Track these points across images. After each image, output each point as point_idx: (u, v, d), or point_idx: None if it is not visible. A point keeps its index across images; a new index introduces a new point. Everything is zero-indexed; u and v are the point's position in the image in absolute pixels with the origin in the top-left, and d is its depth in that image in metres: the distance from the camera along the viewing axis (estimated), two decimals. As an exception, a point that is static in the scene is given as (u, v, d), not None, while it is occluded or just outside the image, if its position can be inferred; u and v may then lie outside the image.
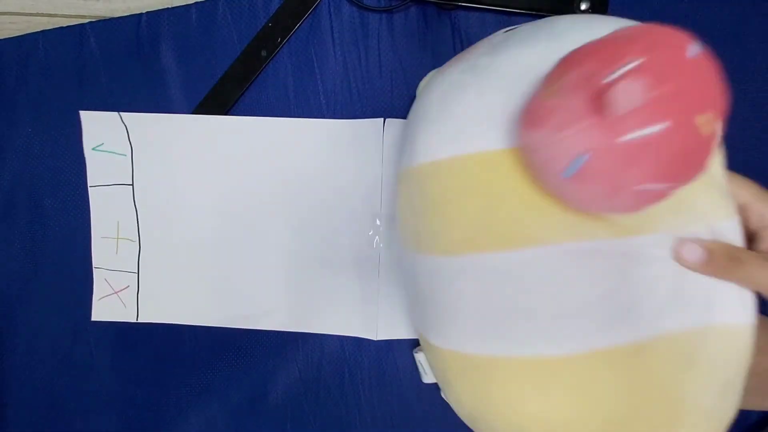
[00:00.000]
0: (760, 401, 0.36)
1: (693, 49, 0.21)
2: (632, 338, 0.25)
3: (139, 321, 0.45)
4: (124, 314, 0.45)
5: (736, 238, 0.26)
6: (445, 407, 0.44)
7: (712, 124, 0.21)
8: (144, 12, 0.43)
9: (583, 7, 0.39)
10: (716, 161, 0.27)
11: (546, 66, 0.24)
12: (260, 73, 0.42)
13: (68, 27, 0.43)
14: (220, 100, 0.42)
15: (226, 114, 0.43)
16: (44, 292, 0.46)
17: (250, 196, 0.43)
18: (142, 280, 0.45)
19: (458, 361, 0.29)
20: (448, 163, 0.27)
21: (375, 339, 0.43)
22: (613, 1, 0.39)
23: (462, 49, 0.41)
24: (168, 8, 0.43)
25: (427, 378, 0.43)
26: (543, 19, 0.29)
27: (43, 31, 0.43)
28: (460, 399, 0.30)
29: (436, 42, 0.42)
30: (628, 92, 0.19)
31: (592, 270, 0.25)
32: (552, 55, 0.24)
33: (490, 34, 0.31)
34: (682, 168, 0.21)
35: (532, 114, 0.23)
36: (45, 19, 0.44)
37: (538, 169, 0.23)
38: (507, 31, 0.30)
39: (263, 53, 0.42)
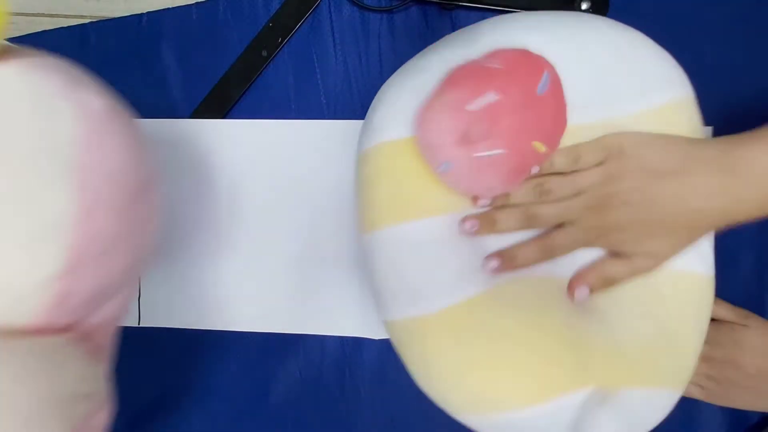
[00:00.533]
0: (753, 401, 0.36)
1: (542, 86, 0.28)
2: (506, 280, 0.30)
3: (141, 325, 0.45)
4: (126, 319, 0.45)
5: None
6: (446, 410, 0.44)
7: (548, 145, 0.29)
8: (144, 12, 0.43)
9: (584, 6, 0.39)
10: None
11: (456, 63, 0.29)
12: (261, 73, 0.42)
13: (69, 27, 0.43)
14: (220, 101, 0.42)
15: (226, 114, 0.43)
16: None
17: (249, 199, 0.43)
18: (144, 285, 0.45)
19: (395, 331, 0.32)
20: (369, 151, 0.32)
21: (375, 339, 0.43)
22: (614, 1, 0.39)
23: (462, 49, 0.41)
24: (169, 8, 0.43)
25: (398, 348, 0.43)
26: (481, 21, 0.33)
27: (43, 32, 0.43)
28: (411, 371, 0.32)
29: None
30: (481, 128, 0.27)
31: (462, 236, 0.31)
32: (463, 58, 0.30)
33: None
34: (520, 174, 0.30)
35: (421, 118, 0.29)
36: (45, 19, 0.44)
37: (424, 158, 0.29)
38: (442, 41, 0.34)
39: (264, 53, 0.42)
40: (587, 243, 0.31)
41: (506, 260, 0.31)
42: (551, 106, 0.29)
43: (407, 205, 0.31)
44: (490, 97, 0.27)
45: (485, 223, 0.31)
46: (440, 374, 0.30)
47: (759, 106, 0.40)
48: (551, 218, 0.31)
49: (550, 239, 0.31)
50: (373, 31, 0.42)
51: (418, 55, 0.33)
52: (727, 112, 0.40)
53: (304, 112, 0.43)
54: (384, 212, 0.31)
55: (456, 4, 0.41)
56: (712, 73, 0.40)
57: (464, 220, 0.30)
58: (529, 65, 0.28)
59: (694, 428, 0.42)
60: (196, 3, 0.43)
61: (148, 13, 0.43)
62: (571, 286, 0.31)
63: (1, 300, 0.23)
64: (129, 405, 0.46)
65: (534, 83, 0.28)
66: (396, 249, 0.31)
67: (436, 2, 0.41)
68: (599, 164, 0.30)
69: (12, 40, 0.43)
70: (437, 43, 0.33)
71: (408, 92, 0.31)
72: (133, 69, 0.43)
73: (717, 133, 0.39)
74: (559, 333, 0.29)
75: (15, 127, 0.23)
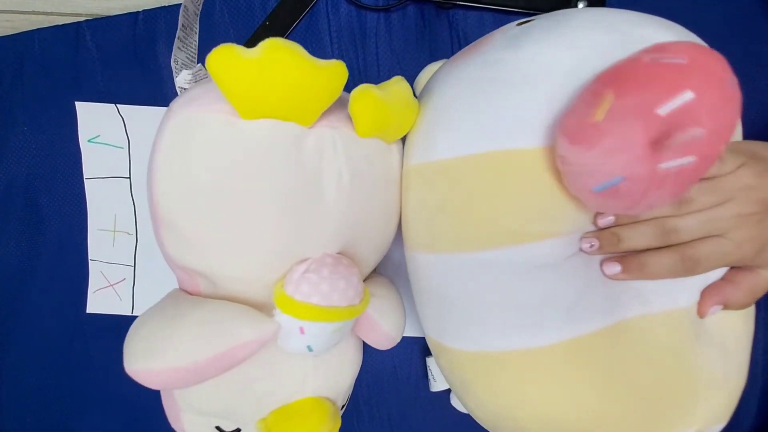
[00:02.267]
0: None
1: (732, 81, 0.22)
2: (637, 312, 0.28)
3: (134, 314, 0.45)
4: (120, 307, 0.45)
5: None
6: (444, 407, 0.44)
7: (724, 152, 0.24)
8: (140, 10, 0.43)
9: (581, 6, 0.39)
10: None
11: (571, 67, 0.25)
12: (257, 71, 0.42)
13: (64, 25, 0.43)
14: (217, 99, 0.42)
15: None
16: (41, 287, 0.45)
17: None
18: (138, 274, 0.45)
19: (481, 361, 0.29)
20: (474, 159, 0.27)
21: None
22: (610, 2, 0.39)
23: (460, 48, 0.40)
24: (165, 6, 0.42)
25: (436, 386, 0.42)
26: (557, 13, 0.29)
27: (39, 30, 0.43)
28: (483, 401, 0.30)
29: (434, 41, 0.42)
30: (684, 144, 0.21)
31: (579, 263, 0.28)
32: (576, 56, 0.25)
33: (488, 33, 0.31)
34: (693, 183, 0.24)
35: (578, 130, 0.23)
36: (41, 17, 0.44)
37: (570, 179, 0.24)
38: (520, 23, 0.30)
39: (260, 52, 0.42)
40: (742, 258, 0.27)
41: (634, 267, 0.27)
42: (735, 109, 0.23)
43: (530, 225, 0.27)
44: (687, 97, 0.21)
45: (607, 241, 0.27)
46: (535, 410, 0.28)
47: (763, 106, 0.40)
48: (694, 232, 0.26)
49: (695, 250, 0.27)
50: (370, 29, 0.42)
51: (499, 46, 0.29)
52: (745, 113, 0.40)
53: (301, 111, 0.43)
54: (502, 231, 0.27)
55: (453, 3, 0.41)
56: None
57: (583, 238, 0.28)
58: (712, 59, 0.22)
59: None
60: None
61: (144, 11, 0.42)
62: (708, 303, 0.28)
63: None
64: (124, 398, 0.46)
65: (725, 78, 0.22)
66: (511, 271, 0.27)
67: (433, 1, 0.41)
68: (741, 167, 0.27)
69: (8, 38, 0.43)
70: (516, 33, 0.29)
71: (518, 94, 0.27)
72: (129, 67, 0.43)
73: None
74: (689, 380, 0.27)
75: None
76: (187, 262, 0.29)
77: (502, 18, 0.42)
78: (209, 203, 0.26)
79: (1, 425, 0.47)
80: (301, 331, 0.28)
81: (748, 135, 0.40)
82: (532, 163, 0.26)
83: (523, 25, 0.30)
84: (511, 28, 0.30)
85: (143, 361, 0.25)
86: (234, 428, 0.33)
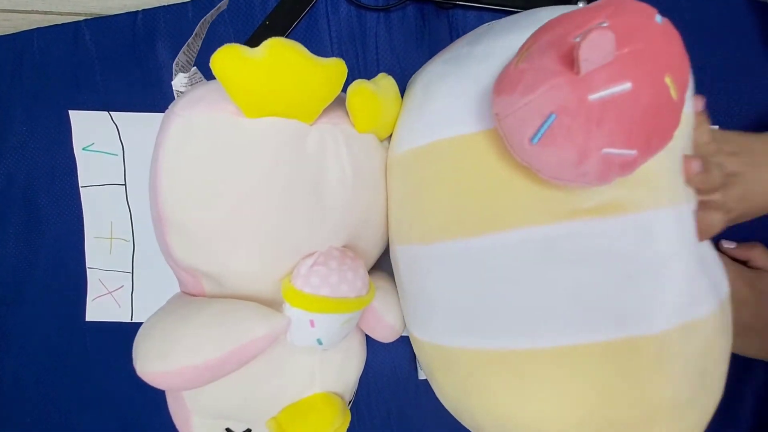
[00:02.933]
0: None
1: (658, 17, 0.21)
2: (603, 337, 0.25)
3: (134, 321, 0.44)
4: (119, 314, 0.45)
5: (693, 223, 0.27)
6: (443, 406, 0.44)
7: (679, 89, 0.21)
8: (140, 10, 0.42)
9: (581, 5, 0.39)
10: (680, 143, 0.27)
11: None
12: (257, 71, 0.42)
13: (63, 25, 0.43)
14: (216, 99, 0.42)
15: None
16: (39, 291, 0.45)
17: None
18: (137, 280, 0.45)
19: (439, 354, 0.30)
20: (426, 149, 0.28)
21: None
22: (610, 1, 0.39)
23: (459, 48, 0.41)
24: (164, 6, 0.42)
25: (422, 374, 0.43)
26: (525, 11, 0.30)
27: (37, 29, 0.43)
28: (444, 391, 0.31)
29: (434, 40, 0.42)
30: (598, 47, 0.19)
31: (558, 258, 0.25)
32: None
33: (487, 33, 0.31)
34: (650, 132, 0.21)
35: (502, 80, 0.23)
36: (40, 16, 0.44)
37: (510, 138, 0.23)
38: (491, 24, 0.31)
39: (260, 52, 0.42)
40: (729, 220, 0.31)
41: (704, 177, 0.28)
42: (675, 38, 0.21)
43: (485, 214, 0.26)
44: (601, 24, 0.20)
45: (705, 162, 0.28)
46: (487, 410, 0.28)
47: (755, 104, 0.40)
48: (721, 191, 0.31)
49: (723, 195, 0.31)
50: (369, 29, 0.42)
51: (464, 43, 0.30)
52: (730, 110, 0.40)
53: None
54: (454, 221, 0.27)
55: (453, 3, 0.41)
56: (711, 72, 0.40)
57: (689, 158, 0.27)
58: (635, 3, 0.21)
59: None
60: (192, 0, 0.42)
61: (143, 10, 0.42)
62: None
63: None
64: (123, 401, 0.45)
65: (649, 14, 0.21)
66: (467, 266, 0.27)
67: (433, 1, 0.41)
68: (734, 154, 0.32)
69: (6, 37, 0.43)
70: (482, 31, 0.30)
71: (471, 82, 0.27)
72: (128, 67, 0.43)
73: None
74: (646, 408, 0.26)
75: None
76: (195, 263, 0.29)
77: (501, 17, 0.41)
78: (219, 203, 0.26)
79: (1, 425, 0.46)
80: (312, 324, 0.28)
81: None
82: (479, 146, 0.26)
83: (492, 24, 0.31)
84: (481, 28, 0.31)
85: (157, 362, 0.25)
86: (244, 429, 0.33)
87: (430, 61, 0.32)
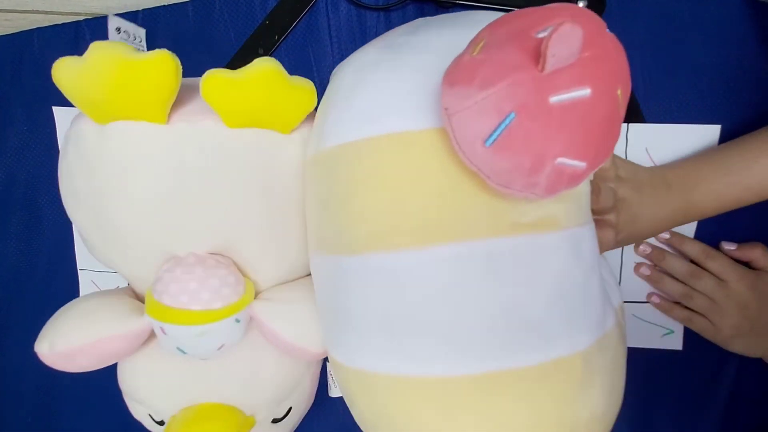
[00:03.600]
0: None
1: (608, 30, 0.21)
2: (536, 360, 0.23)
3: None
4: None
5: (595, 236, 0.28)
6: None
7: (624, 104, 0.21)
8: (140, 9, 0.42)
9: (580, 5, 0.39)
10: None
11: (467, 43, 0.22)
12: (257, 71, 0.42)
13: (63, 24, 0.43)
14: (217, 98, 0.42)
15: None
16: (39, 291, 0.45)
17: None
18: None
19: (360, 379, 0.27)
20: (357, 145, 0.24)
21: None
22: (610, 2, 0.39)
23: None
24: (164, 6, 0.42)
25: (335, 391, 0.41)
26: (462, 12, 0.30)
27: (38, 29, 0.43)
28: (364, 417, 0.28)
29: (434, 40, 0.42)
30: (567, 42, 0.18)
31: (498, 275, 0.23)
32: (471, 35, 0.22)
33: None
34: (600, 144, 0.20)
35: (455, 70, 0.20)
36: (40, 16, 0.44)
37: (460, 138, 0.20)
38: (427, 18, 0.30)
39: (260, 51, 0.42)
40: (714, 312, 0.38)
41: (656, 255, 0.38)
42: (623, 52, 0.21)
43: (422, 224, 0.23)
44: (562, 24, 0.18)
45: (657, 253, 0.38)
46: None
47: (754, 106, 0.40)
48: (708, 289, 0.37)
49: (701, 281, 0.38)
50: (370, 29, 0.42)
51: (399, 33, 0.28)
52: (733, 110, 0.40)
53: (300, 111, 0.43)
54: (387, 230, 0.23)
55: (453, 3, 0.41)
56: (708, 71, 0.40)
57: (642, 244, 0.36)
58: (586, 10, 0.21)
59: None
60: (192, 0, 0.42)
61: (144, 10, 0.42)
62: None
63: None
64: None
65: (603, 25, 0.20)
66: (397, 283, 0.24)
67: (433, 0, 0.41)
68: (625, 180, 0.35)
69: (7, 37, 0.43)
70: (419, 24, 0.28)
71: (409, 71, 0.24)
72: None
73: (724, 130, 0.39)
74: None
75: None
76: (98, 260, 0.32)
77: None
78: (88, 205, 0.29)
79: (2, 424, 0.47)
80: (162, 331, 0.28)
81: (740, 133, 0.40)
82: (420, 147, 0.23)
83: (426, 18, 0.30)
84: (418, 21, 0.30)
85: (39, 343, 0.29)
86: (160, 420, 0.34)
87: (359, 50, 0.30)
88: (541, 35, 0.18)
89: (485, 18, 0.26)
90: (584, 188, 0.26)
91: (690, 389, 0.42)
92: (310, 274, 0.34)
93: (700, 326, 0.39)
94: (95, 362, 0.29)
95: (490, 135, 0.19)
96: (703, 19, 0.40)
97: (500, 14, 0.27)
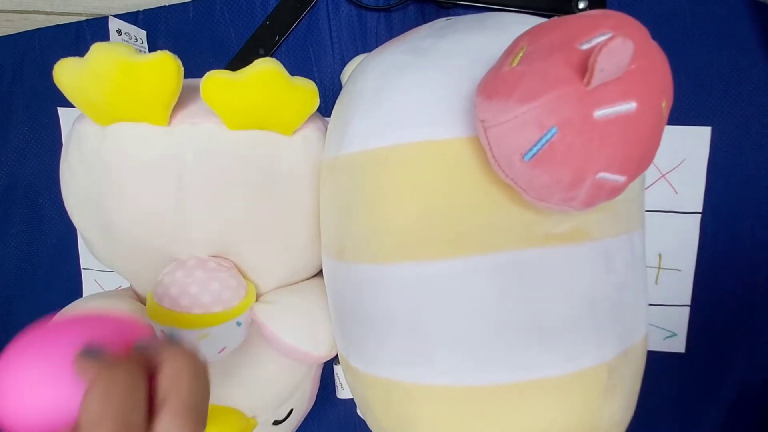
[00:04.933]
0: None
1: (648, 34, 0.20)
2: (562, 370, 0.23)
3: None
4: None
5: (640, 247, 0.27)
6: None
7: (667, 116, 0.20)
8: (141, 10, 0.42)
9: (581, 6, 0.39)
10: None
11: (495, 54, 0.21)
12: (258, 71, 0.42)
13: (64, 25, 0.43)
14: (217, 99, 0.42)
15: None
16: (41, 290, 0.45)
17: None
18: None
19: (381, 387, 0.26)
20: (385, 152, 0.23)
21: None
22: (610, 2, 0.39)
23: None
24: (165, 6, 0.42)
25: (343, 393, 0.41)
26: (488, 13, 0.28)
27: (39, 29, 0.43)
28: (380, 425, 0.28)
29: (435, 41, 0.42)
30: (616, 56, 0.17)
31: (527, 287, 0.23)
32: (503, 41, 0.21)
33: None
34: (641, 157, 0.19)
35: (493, 82, 0.19)
36: (41, 16, 0.44)
37: (497, 151, 0.20)
38: (449, 18, 0.29)
39: (261, 51, 0.42)
40: None
41: None
42: (667, 62, 0.20)
43: (454, 235, 0.22)
44: (606, 34, 0.18)
45: None
46: None
47: (756, 106, 0.40)
48: None
49: None
50: (370, 29, 0.42)
51: (425, 35, 0.27)
52: (725, 112, 0.40)
53: (301, 111, 0.43)
54: (417, 241, 0.23)
55: (454, 3, 0.41)
56: (709, 72, 0.40)
57: None
58: (630, 17, 0.20)
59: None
60: (193, 0, 0.42)
61: (144, 10, 0.42)
62: None
63: None
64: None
65: (647, 33, 0.20)
66: (425, 293, 0.23)
67: (434, 1, 0.41)
68: None
69: (8, 37, 0.43)
70: (442, 25, 0.28)
71: (441, 75, 0.23)
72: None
73: (714, 132, 0.39)
74: None
75: None
76: (99, 261, 0.32)
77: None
78: (89, 207, 0.29)
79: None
80: (162, 334, 0.28)
81: (744, 134, 0.40)
82: (451, 156, 0.22)
83: (450, 19, 0.28)
84: (439, 22, 0.29)
85: None
86: None
87: (379, 50, 0.28)
88: (585, 47, 0.18)
89: (514, 21, 0.25)
90: (623, 197, 0.24)
91: (692, 393, 0.42)
92: (313, 277, 0.35)
93: None
94: None
95: (530, 149, 0.18)
96: (704, 20, 0.40)
97: (527, 17, 0.27)
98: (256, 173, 0.28)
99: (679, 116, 0.40)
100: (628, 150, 0.19)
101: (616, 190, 0.20)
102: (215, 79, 0.25)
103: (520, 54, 0.19)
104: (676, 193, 0.40)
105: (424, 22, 0.42)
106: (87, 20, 0.43)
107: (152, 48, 0.43)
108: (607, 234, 0.24)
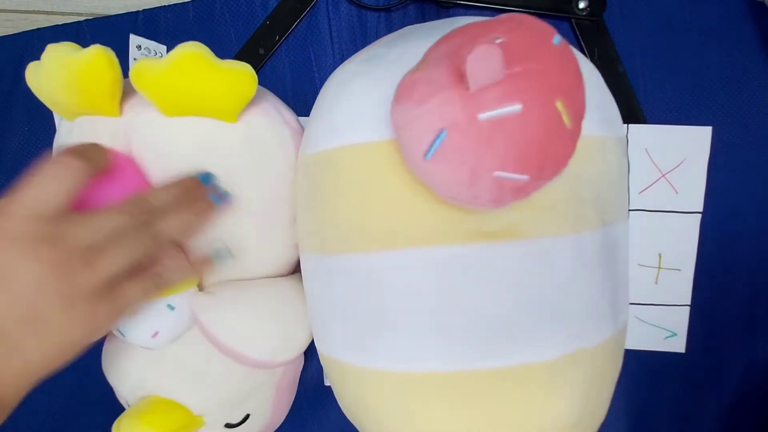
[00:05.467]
0: None
1: (556, 38, 0.20)
2: (493, 364, 0.25)
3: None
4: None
5: (599, 249, 0.26)
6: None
7: (573, 116, 0.20)
8: (141, 10, 0.42)
9: (581, 5, 0.39)
10: (591, 170, 0.26)
11: None
12: (258, 71, 0.42)
13: (64, 25, 0.43)
14: (217, 99, 0.42)
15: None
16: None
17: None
18: None
19: (336, 368, 0.29)
20: (327, 154, 0.26)
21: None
22: (610, 2, 0.39)
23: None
24: (165, 6, 0.42)
25: (329, 380, 0.41)
26: (447, 19, 0.30)
27: (39, 29, 0.43)
28: (344, 404, 0.31)
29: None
30: (484, 63, 0.18)
31: (451, 281, 0.24)
32: None
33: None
34: (541, 158, 0.20)
35: (401, 87, 0.22)
36: (41, 16, 0.44)
37: (405, 151, 0.22)
38: (413, 26, 0.31)
39: (261, 51, 0.42)
40: None
41: None
42: (571, 62, 0.20)
43: (384, 229, 0.25)
44: (496, 38, 0.19)
45: None
46: (379, 427, 0.28)
47: (757, 106, 0.40)
48: None
49: None
50: (370, 29, 0.42)
51: (383, 43, 0.29)
52: (725, 112, 0.40)
53: (301, 111, 0.42)
54: (353, 234, 0.26)
55: (454, 3, 0.41)
56: (709, 72, 0.40)
57: None
58: (535, 20, 0.20)
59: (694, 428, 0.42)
60: (193, 0, 0.42)
61: (144, 10, 0.42)
62: None
63: None
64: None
65: (546, 33, 0.20)
66: (363, 282, 0.26)
67: (434, 1, 0.41)
68: None
69: (8, 38, 0.43)
70: (403, 33, 0.29)
71: (382, 84, 0.25)
72: (129, 67, 0.43)
73: (715, 132, 0.39)
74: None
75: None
76: None
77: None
78: None
79: (2, 425, 0.46)
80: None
81: (744, 135, 0.40)
82: (382, 157, 0.24)
83: (413, 27, 0.30)
84: (403, 30, 0.30)
85: None
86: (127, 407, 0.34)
87: (349, 59, 0.31)
88: (468, 54, 0.19)
89: (465, 22, 0.26)
90: (562, 197, 0.25)
91: (692, 393, 0.42)
92: (281, 276, 0.34)
93: None
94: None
95: (428, 150, 0.20)
96: (704, 20, 0.40)
97: (481, 19, 0.27)
98: (194, 161, 0.29)
99: (679, 116, 0.40)
100: (521, 149, 0.19)
101: (520, 189, 0.21)
102: (140, 66, 0.26)
103: (424, 61, 0.21)
104: (677, 192, 0.40)
105: (424, 22, 0.42)
106: (87, 20, 0.43)
107: (152, 48, 0.43)
108: (544, 233, 0.24)
